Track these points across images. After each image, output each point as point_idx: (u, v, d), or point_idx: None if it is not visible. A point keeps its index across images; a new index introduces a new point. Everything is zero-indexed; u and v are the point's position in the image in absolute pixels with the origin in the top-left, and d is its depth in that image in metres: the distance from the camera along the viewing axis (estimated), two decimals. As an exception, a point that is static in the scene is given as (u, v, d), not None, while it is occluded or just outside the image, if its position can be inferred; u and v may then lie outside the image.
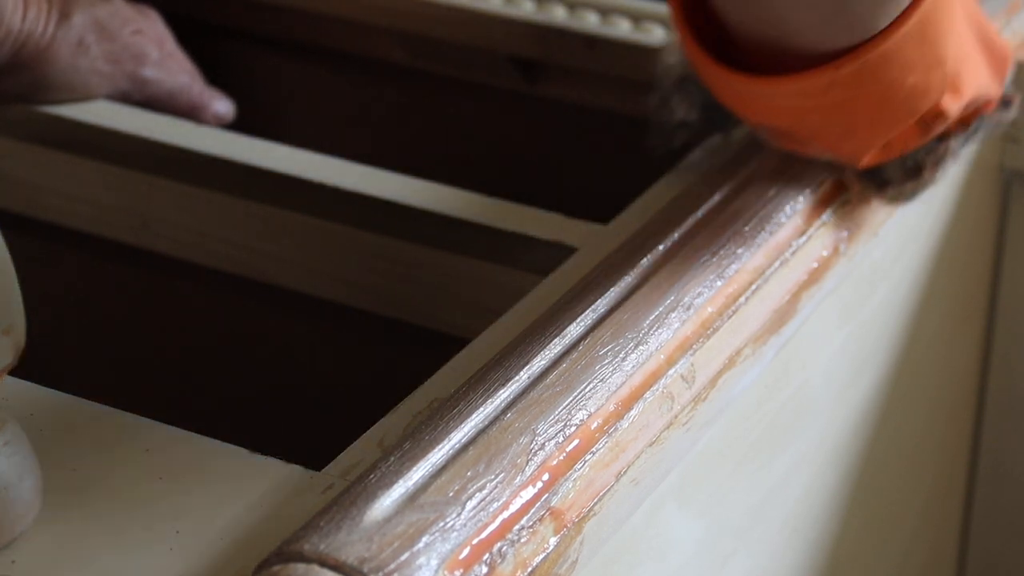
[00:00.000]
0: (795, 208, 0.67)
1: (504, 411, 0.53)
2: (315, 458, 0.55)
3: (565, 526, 0.51)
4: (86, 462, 0.54)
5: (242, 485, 0.53)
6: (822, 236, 0.67)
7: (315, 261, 0.79)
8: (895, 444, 0.84)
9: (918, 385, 0.85)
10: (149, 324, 0.89)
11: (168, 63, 0.89)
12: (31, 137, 0.84)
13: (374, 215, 0.77)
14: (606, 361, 0.56)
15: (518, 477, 0.51)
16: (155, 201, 0.82)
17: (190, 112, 0.89)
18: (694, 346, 0.59)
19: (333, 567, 0.46)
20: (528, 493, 0.51)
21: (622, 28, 0.92)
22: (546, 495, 0.51)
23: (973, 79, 0.66)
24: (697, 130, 0.74)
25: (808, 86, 0.61)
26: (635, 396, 0.56)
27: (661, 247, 0.63)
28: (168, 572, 0.50)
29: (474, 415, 0.53)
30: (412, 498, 0.49)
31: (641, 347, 0.57)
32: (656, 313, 0.59)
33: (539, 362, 0.56)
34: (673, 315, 0.59)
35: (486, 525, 0.49)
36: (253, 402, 0.87)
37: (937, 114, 0.64)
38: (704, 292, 0.61)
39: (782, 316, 0.64)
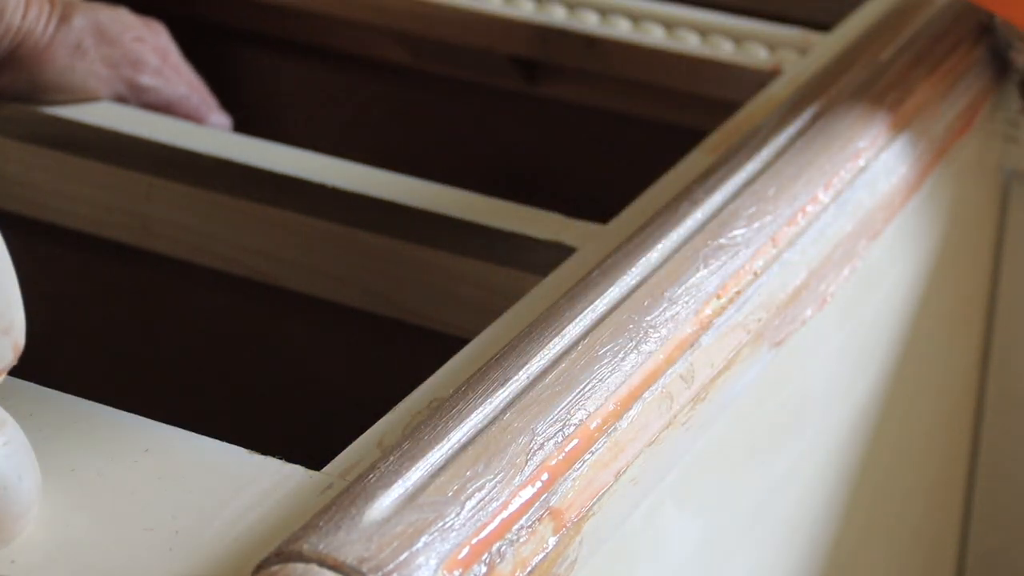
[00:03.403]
0: (794, 207, 0.67)
1: (503, 411, 0.53)
2: (315, 458, 0.55)
3: (564, 526, 0.51)
4: (86, 462, 0.54)
5: (242, 485, 0.53)
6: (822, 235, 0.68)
7: (315, 261, 0.79)
8: (895, 444, 0.84)
9: (918, 385, 0.85)
10: (149, 324, 0.89)
11: (167, 73, 0.88)
12: (31, 137, 0.84)
13: (374, 215, 0.77)
14: (605, 361, 0.56)
15: (517, 477, 0.51)
16: (155, 201, 0.82)
17: None
18: (693, 346, 0.59)
19: (332, 567, 0.46)
20: (527, 493, 0.51)
21: (622, 28, 0.92)
22: (545, 495, 0.51)
23: None
24: None
25: None
26: (634, 396, 0.56)
27: (661, 246, 0.63)
28: (168, 572, 0.50)
29: (473, 415, 0.53)
30: (411, 498, 0.49)
31: (640, 347, 0.57)
32: (655, 313, 0.59)
33: (538, 362, 0.56)
34: (672, 315, 0.59)
35: (485, 525, 0.49)
36: (253, 402, 0.87)
37: None
38: (703, 292, 0.61)
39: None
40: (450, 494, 0.49)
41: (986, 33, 0.83)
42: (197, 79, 0.90)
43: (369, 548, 0.47)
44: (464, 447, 0.51)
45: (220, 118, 0.90)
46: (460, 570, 0.48)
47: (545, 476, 0.52)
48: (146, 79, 0.87)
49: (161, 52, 0.89)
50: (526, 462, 0.51)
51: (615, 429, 0.55)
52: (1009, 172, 0.89)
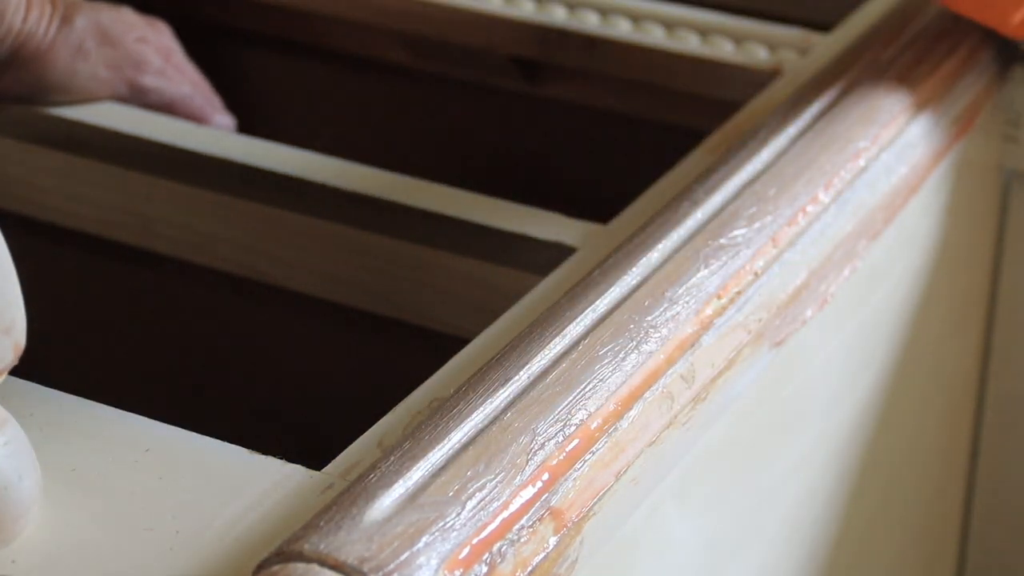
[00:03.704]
0: (795, 207, 0.67)
1: (504, 411, 0.53)
2: (315, 458, 0.55)
3: (565, 526, 0.51)
4: (86, 462, 0.54)
5: (242, 485, 0.53)
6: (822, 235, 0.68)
7: (315, 261, 0.79)
8: (895, 444, 0.84)
9: (918, 385, 0.85)
10: (149, 324, 0.89)
11: (170, 73, 0.88)
12: (31, 137, 0.84)
13: (374, 215, 0.77)
14: (606, 361, 0.56)
15: (518, 477, 0.51)
16: (155, 201, 0.82)
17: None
18: (694, 346, 0.59)
19: (333, 567, 0.46)
20: (528, 493, 0.51)
21: (622, 28, 0.92)
22: (546, 495, 0.51)
23: None
24: None
25: None
26: (635, 396, 0.56)
27: (661, 246, 0.63)
28: (168, 572, 0.50)
29: (474, 415, 0.53)
30: (412, 498, 0.49)
31: (641, 347, 0.57)
32: (656, 313, 0.59)
33: (539, 362, 0.56)
34: (673, 315, 0.59)
35: (486, 525, 0.49)
36: (253, 402, 0.87)
37: None
38: (704, 292, 0.61)
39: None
40: (451, 494, 0.49)
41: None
42: (201, 79, 0.90)
43: (370, 548, 0.47)
44: (465, 447, 0.51)
45: (224, 118, 0.90)
46: (461, 570, 0.48)
47: (546, 476, 0.52)
48: (149, 80, 0.87)
49: (164, 52, 0.89)
50: (527, 462, 0.51)
51: (616, 429, 0.55)
52: (1009, 172, 0.89)
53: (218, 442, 0.56)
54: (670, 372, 0.58)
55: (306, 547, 0.47)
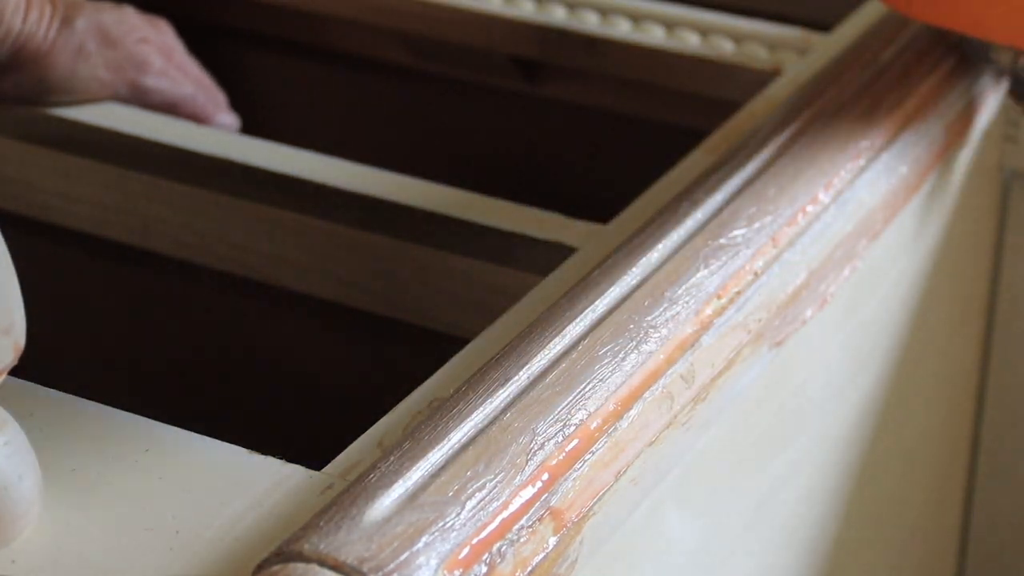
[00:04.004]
0: (794, 207, 0.67)
1: (504, 411, 0.53)
2: (315, 458, 0.55)
3: (565, 526, 0.51)
4: (86, 462, 0.54)
5: (242, 485, 0.53)
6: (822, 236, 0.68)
7: (315, 261, 0.79)
8: (895, 444, 0.84)
9: (918, 385, 0.85)
10: (149, 324, 0.89)
11: (172, 73, 0.88)
12: (31, 137, 0.84)
13: (374, 215, 0.77)
14: (606, 361, 0.56)
15: (518, 477, 0.51)
16: (155, 201, 0.82)
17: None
18: (694, 346, 0.59)
19: (333, 567, 0.46)
20: (528, 493, 0.51)
21: (622, 28, 0.92)
22: (546, 495, 0.51)
23: None
24: None
25: None
26: (635, 396, 0.56)
27: (661, 246, 0.63)
28: (168, 572, 0.50)
29: (474, 415, 0.53)
30: (412, 498, 0.49)
31: (641, 347, 0.57)
32: (656, 313, 0.59)
33: (539, 362, 0.56)
34: (673, 315, 0.59)
35: (486, 525, 0.49)
36: (253, 402, 0.87)
37: None
38: (704, 292, 0.61)
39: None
40: (450, 494, 0.49)
41: (961, 45, 0.82)
42: (205, 76, 0.90)
43: (369, 548, 0.47)
44: (464, 447, 0.51)
45: (228, 117, 0.90)
46: (460, 570, 0.48)
47: (545, 476, 0.52)
48: (150, 81, 0.87)
49: (166, 52, 0.88)
50: (526, 462, 0.51)
51: (615, 429, 0.55)
52: (1009, 172, 0.89)
53: (218, 442, 0.56)
54: (670, 372, 0.58)
55: (306, 547, 0.47)
